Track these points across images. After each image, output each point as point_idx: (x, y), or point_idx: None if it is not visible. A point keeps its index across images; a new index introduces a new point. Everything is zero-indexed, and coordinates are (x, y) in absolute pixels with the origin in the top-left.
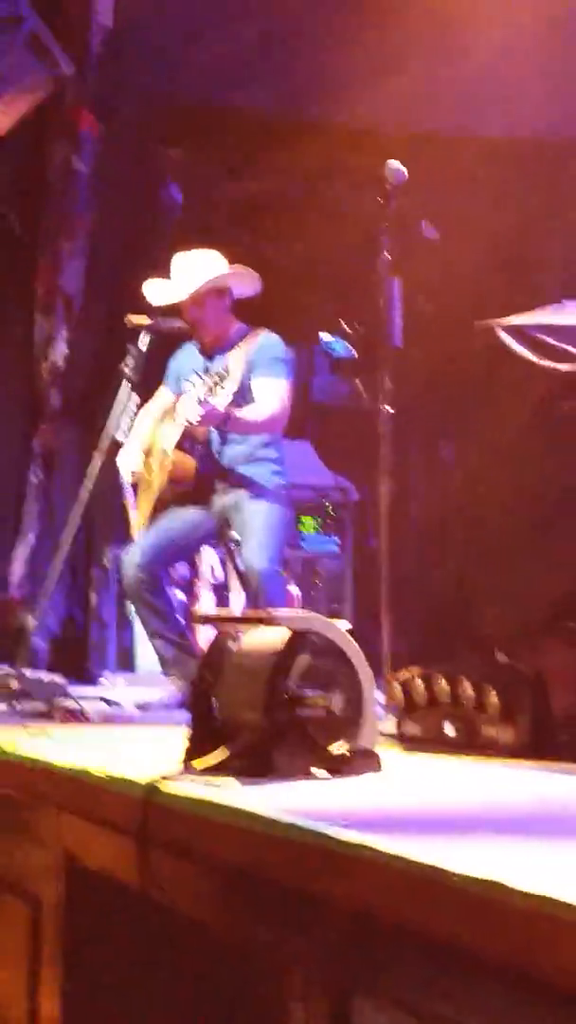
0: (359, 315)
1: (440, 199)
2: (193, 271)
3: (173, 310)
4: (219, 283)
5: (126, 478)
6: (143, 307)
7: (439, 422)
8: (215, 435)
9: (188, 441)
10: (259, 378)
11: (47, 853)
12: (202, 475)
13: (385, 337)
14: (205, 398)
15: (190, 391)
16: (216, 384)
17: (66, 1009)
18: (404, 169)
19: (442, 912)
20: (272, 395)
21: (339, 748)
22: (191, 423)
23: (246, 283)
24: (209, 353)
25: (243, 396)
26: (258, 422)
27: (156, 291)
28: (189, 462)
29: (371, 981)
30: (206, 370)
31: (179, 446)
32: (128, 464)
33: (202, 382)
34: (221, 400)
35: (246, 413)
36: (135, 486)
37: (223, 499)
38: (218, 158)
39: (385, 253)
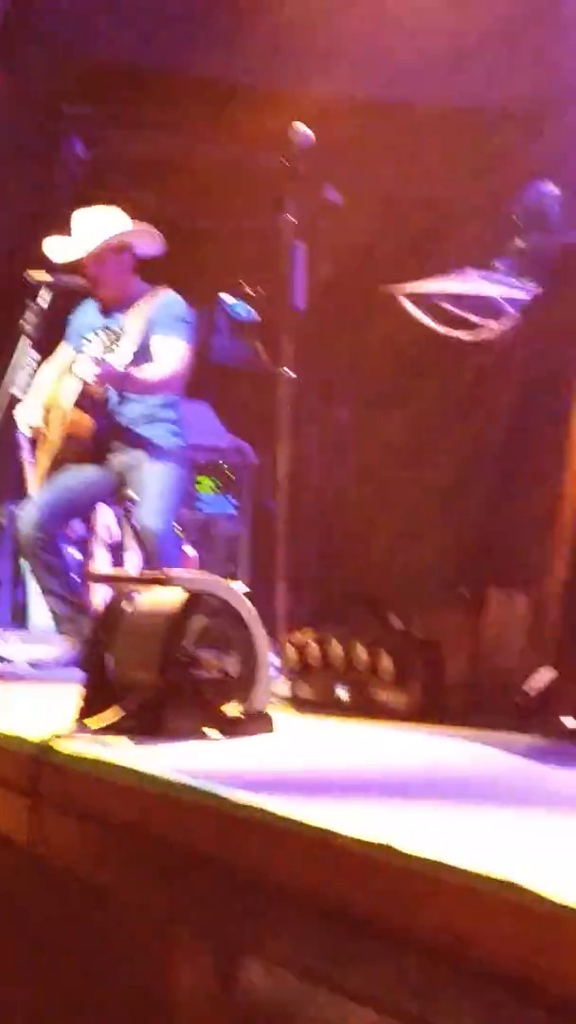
0: (262, 278)
1: (347, 164)
2: (94, 228)
3: (74, 267)
4: (119, 240)
5: (25, 432)
6: (44, 263)
7: (339, 386)
8: (113, 393)
9: (86, 399)
10: (158, 337)
11: None
12: (99, 433)
13: (286, 300)
14: (102, 356)
15: (87, 349)
16: (112, 342)
17: None
18: (310, 132)
19: (331, 874)
20: (171, 355)
21: (232, 709)
22: (88, 382)
23: (148, 242)
24: (108, 311)
25: (142, 355)
26: (155, 381)
27: (56, 248)
28: (87, 420)
29: (260, 942)
30: (104, 328)
31: (77, 404)
32: (27, 419)
33: (99, 340)
34: (118, 359)
35: (144, 372)
36: (33, 442)
37: (120, 458)
38: (123, 116)
39: (288, 216)
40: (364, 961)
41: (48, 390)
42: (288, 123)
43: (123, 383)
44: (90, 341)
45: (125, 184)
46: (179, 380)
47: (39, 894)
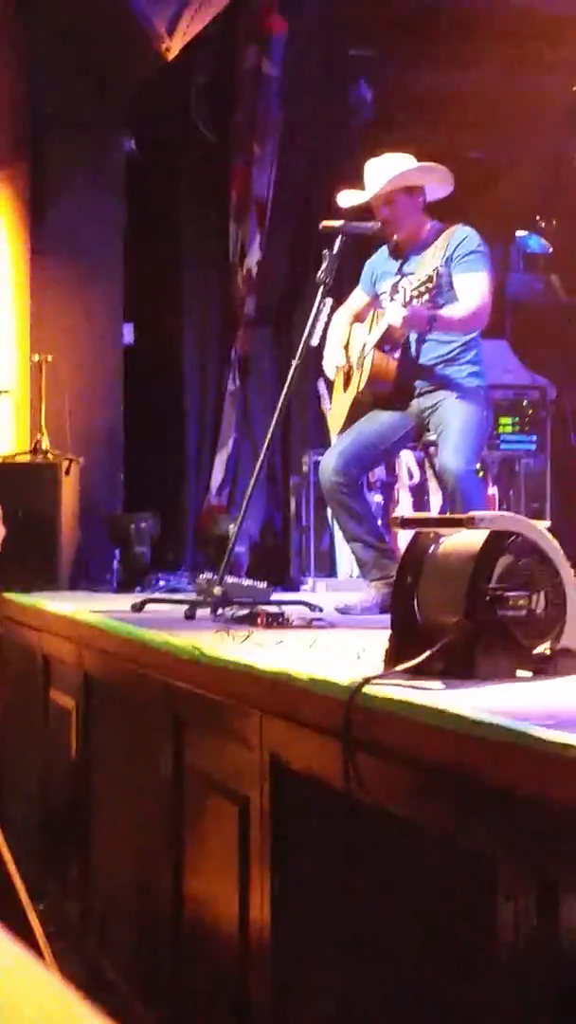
0: (554, 209)
1: None
2: (383, 172)
3: (368, 214)
4: (407, 180)
5: (330, 375)
6: (336, 212)
7: None
8: (414, 336)
9: (387, 342)
10: (459, 274)
11: (253, 755)
12: (401, 377)
13: None
14: (410, 300)
15: (387, 294)
16: (417, 287)
17: (275, 908)
18: None
19: None
20: (474, 290)
21: (543, 648)
22: (396, 326)
23: (437, 180)
24: (403, 253)
25: (441, 293)
26: (464, 319)
27: (347, 196)
28: (390, 364)
29: None
30: (399, 271)
31: (378, 348)
32: (331, 363)
33: (402, 284)
34: (424, 301)
35: (450, 311)
36: (331, 390)
37: (421, 401)
38: (407, 53)
39: None
40: None
41: (343, 335)
42: None
43: (431, 324)
44: (391, 286)
45: (412, 123)
46: (484, 314)
47: (356, 836)
